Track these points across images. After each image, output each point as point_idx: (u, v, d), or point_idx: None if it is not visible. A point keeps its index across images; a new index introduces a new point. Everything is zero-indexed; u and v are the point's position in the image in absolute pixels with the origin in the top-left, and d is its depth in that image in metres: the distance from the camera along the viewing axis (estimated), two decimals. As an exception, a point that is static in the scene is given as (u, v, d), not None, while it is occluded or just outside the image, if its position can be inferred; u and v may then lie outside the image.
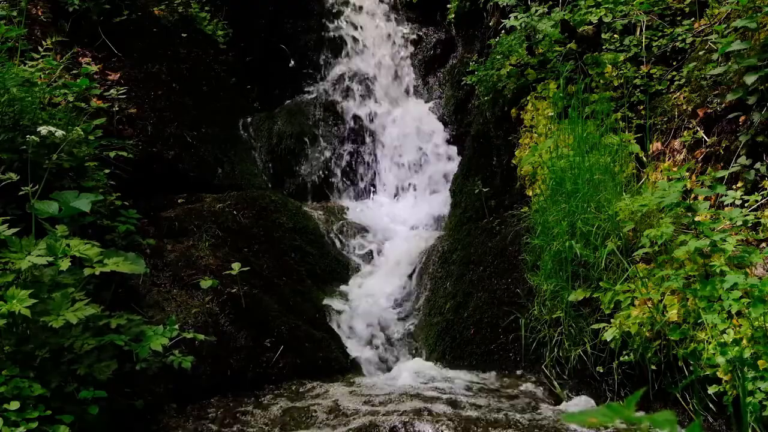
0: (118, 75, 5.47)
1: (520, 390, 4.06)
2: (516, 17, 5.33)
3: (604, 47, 4.90)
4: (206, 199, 5.42)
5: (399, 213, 6.60)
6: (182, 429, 3.60)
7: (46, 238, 3.12)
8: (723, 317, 3.11)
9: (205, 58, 6.67)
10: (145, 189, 5.05)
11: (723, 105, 4.00)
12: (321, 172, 6.98)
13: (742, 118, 3.84)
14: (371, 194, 6.97)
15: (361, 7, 8.16)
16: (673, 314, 3.33)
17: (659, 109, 4.46)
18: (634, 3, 5.02)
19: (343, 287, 5.59)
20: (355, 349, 4.96)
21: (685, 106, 4.30)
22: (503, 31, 5.82)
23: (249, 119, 7.13)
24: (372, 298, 5.48)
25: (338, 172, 7.02)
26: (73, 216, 3.45)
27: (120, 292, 3.90)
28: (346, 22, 8.06)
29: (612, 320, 3.60)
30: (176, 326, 3.41)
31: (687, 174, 3.88)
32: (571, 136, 4.27)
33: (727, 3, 4.41)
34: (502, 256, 4.81)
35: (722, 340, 3.05)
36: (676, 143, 4.23)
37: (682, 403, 3.34)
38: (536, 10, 5.29)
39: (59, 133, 3.44)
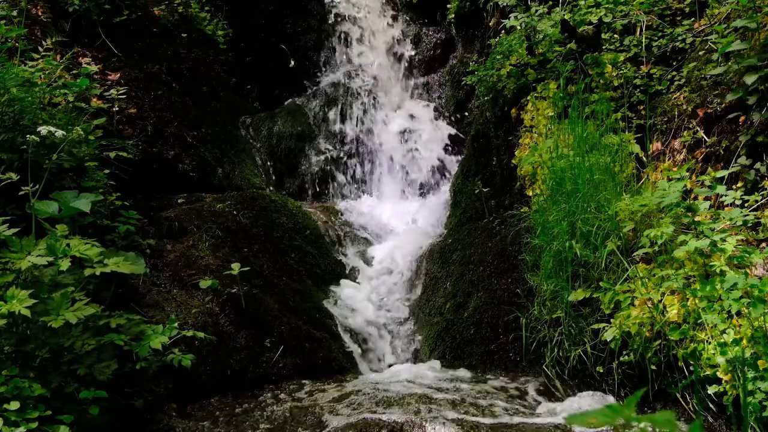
0: (118, 75, 5.47)
1: (520, 390, 4.06)
2: (516, 17, 5.34)
3: (604, 47, 4.90)
4: (206, 199, 5.42)
5: (399, 213, 6.61)
6: (182, 429, 3.59)
7: (46, 238, 3.12)
8: (723, 317, 3.11)
9: (205, 58, 6.67)
10: (145, 189, 5.05)
11: (723, 105, 4.00)
12: (321, 173, 6.98)
13: (742, 118, 3.84)
14: (371, 194, 6.97)
15: (361, 7, 8.16)
16: (673, 314, 3.33)
17: (659, 109, 4.46)
18: (634, 3, 5.02)
19: (343, 287, 5.58)
20: (355, 349, 4.97)
21: (685, 106, 4.29)
22: (503, 31, 5.82)
23: (249, 119, 7.14)
24: (372, 298, 5.49)
25: (338, 172, 7.03)
26: (73, 216, 3.45)
27: (120, 292, 3.89)
28: (346, 22, 8.06)
29: (612, 320, 3.60)
30: (176, 325, 3.41)
31: (687, 174, 3.88)
32: (571, 136, 4.27)
33: (727, 3, 4.41)
34: (502, 256, 4.81)
35: (722, 340, 3.05)
36: (676, 143, 4.23)
37: (682, 403, 3.34)
38: (536, 10, 5.30)
39: (59, 133, 3.44)
